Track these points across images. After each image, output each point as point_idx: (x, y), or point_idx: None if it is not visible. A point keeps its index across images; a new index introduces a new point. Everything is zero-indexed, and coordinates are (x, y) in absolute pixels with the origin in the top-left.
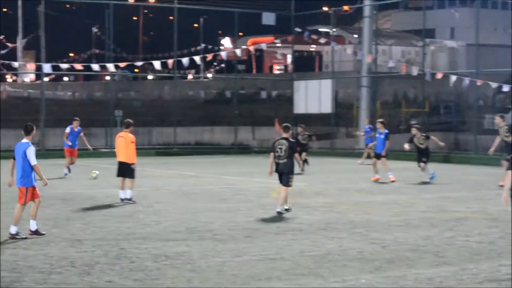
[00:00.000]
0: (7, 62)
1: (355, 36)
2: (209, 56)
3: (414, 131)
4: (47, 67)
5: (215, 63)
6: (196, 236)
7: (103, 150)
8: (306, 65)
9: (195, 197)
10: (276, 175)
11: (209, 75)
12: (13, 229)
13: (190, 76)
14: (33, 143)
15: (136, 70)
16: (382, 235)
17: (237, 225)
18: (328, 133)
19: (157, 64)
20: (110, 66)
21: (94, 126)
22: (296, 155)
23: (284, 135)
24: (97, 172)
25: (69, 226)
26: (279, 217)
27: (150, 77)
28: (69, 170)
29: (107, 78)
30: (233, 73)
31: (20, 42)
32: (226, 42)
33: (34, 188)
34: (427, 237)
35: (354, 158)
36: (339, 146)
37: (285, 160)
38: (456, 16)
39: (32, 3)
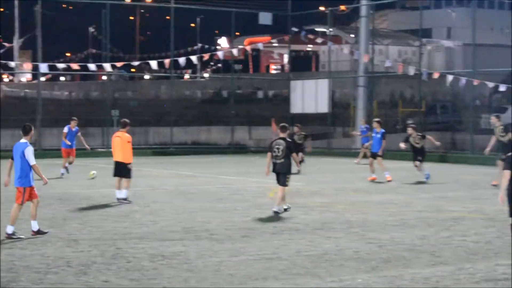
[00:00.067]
0: (4, 61)
1: (352, 35)
2: (206, 56)
3: (410, 130)
4: (43, 67)
5: (211, 63)
6: (193, 235)
7: (99, 149)
8: (303, 65)
9: (191, 197)
10: (272, 175)
11: (206, 75)
12: (9, 229)
13: (186, 76)
14: (30, 143)
15: (132, 70)
16: (379, 235)
17: (234, 225)
18: (324, 133)
19: (153, 64)
20: (107, 66)
21: (90, 126)
22: (294, 154)
23: (282, 135)
24: (95, 172)
25: (66, 226)
26: (275, 217)
27: (146, 76)
28: (67, 170)
29: (104, 78)
30: (230, 73)
31: (16, 42)
32: (223, 41)
33: (32, 188)
34: (423, 236)
35: (350, 158)
36: (336, 146)
37: (282, 160)
38: (453, 16)
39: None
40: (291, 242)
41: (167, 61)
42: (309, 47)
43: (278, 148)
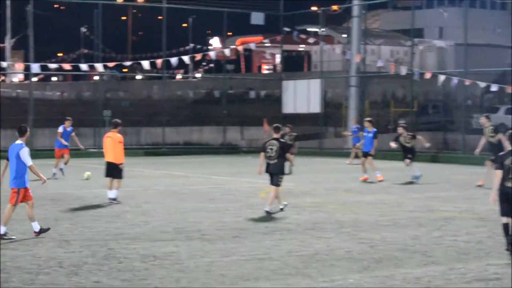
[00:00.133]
0: None
1: (344, 35)
2: (198, 56)
3: (400, 130)
4: (35, 67)
5: (204, 63)
6: (184, 236)
7: (91, 150)
8: (295, 65)
9: (183, 197)
10: (265, 175)
11: (198, 75)
12: (1, 229)
13: (178, 76)
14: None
15: (124, 70)
16: (370, 235)
17: (226, 225)
18: (316, 133)
19: (145, 64)
20: (99, 66)
21: (82, 126)
22: (288, 155)
23: (275, 135)
24: (89, 173)
25: (57, 227)
26: (267, 217)
27: (138, 77)
28: (62, 172)
29: (96, 78)
30: (222, 73)
31: (8, 42)
32: (215, 41)
33: (26, 189)
34: (415, 236)
35: (342, 158)
36: (328, 146)
37: (275, 161)
38: (445, 15)
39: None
40: (282, 242)
41: (159, 61)
42: (301, 47)
43: (271, 149)
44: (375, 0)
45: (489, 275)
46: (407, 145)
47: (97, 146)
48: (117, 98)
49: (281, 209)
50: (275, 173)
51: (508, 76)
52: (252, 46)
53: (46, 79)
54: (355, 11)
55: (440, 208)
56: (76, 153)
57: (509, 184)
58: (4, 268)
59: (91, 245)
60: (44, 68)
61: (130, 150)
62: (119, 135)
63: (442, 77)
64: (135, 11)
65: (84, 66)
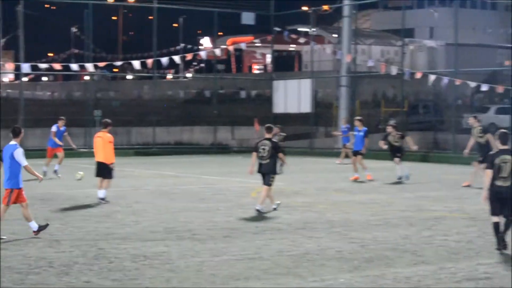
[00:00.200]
0: None
1: (335, 35)
2: (189, 56)
3: (389, 129)
4: (26, 67)
5: (194, 63)
6: (175, 236)
7: (82, 150)
8: (286, 65)
9: (174, 197)
10: (256, 175)
11: (189, 75)
12: None
13: (169, 76)
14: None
15: (115, 70)
16: (361, 234)
17: (216, 225)
18: (307, 133)
19: (136, 64)
20: (89, 66)
21: (73, 126)
22: (280, 154)
23: (267, 135)
24: (81, 173)
25: (48, 227)
26: (258, 217)
27: (129, 77)
28: (57, 173)
29: (86, 78)
30: (213, 73)
31: None
32: (206, 41)
33: (20, 190)
34: (405, 236)
35: (333, 157)
36: (318, 146)
37: (268, 161)
38: (435, 15)
39: (11, 3)
40: (273, 242)
41: (149, 61)
42: (292, 47)
43: (263, 149)
44: (365, 0)
45: (479, 275)
46: (396, 144)
47: (88, 146)
48: (107, 98)
49: (274, 209)
50: (267, 173)
51: (498, 76)
52: (243, 46)
53: (36, 79)
54: (346, 11)
55: (430, 207)
56: (67, 153)
57: (499, 183)
58: None
59: (81, 245)
60: (34, 68)
61: (121, 150)
62: (109, 135)
63: (432, 77)
64: (125, 11)
65: (74, 66)
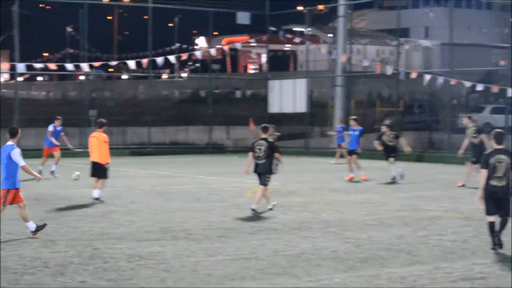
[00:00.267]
0: None
1: (330, 35)
2: (184, 56)
3: (384, 128)
4: (21, 67)
5: (189, 63)
6: (170, 236)
7: (77, 150)
8: (281, 65)
9: (169, 197)
10: (251, 175)
11: (184, 75)
12: None
13: (164, 76)
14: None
15: (110, 69)
16: (356, 234)
17: (212, 225)
18: (302, 133)
19: (131, 64)
20: (85, 66)
21: (68, 125)
22: (277, 154)
23: (263, 135)
24: (78, 173)
25: (46, 226)
26: (253, 217)
27: (124, 76)
28: (53, 174)
29: (82, 77)
30: (208, 73)
31: None
32: (201, 41)
33: (17, 190)
34: (400, 236)
35: (328, 157)
36: (314, 146)
37: (264, 161)
38: (430, 15)
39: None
40: (268, 242)
41: (145, 61)
42: (287, 47)
43: (260, 149)
44: (360, 0)
45: (475, 274)
46: (390, 144)
47: (83, 146)
48: (102, 98)
49: (270, 209)
50: (263, 173)
51: (494, 76)
52: (238, 45)
53: (31, 79)
54: (341, 10)
55: (425, 207)
56: (63, 153)
57: (494, 183)
58: None
59: (76, 245)
60: (29, 68)
61: (116, 150)
62: (104, 135)
63: (427, 77)
64: (121, 11)
65: (69, 66)
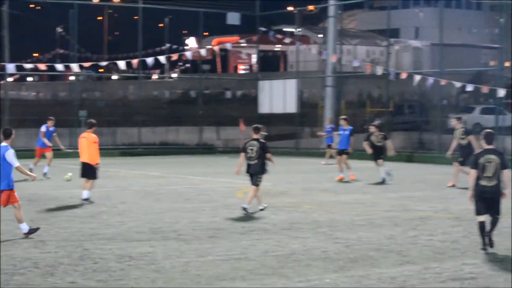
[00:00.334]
0: None
1: (320, 36)
2: (174, 56)
3: (372, 128)
4: (11, 67)
5: (180, 63)
6: (160, 236)
7: (67, 150)
8: (271, 65)
9: (159, 198)
10: (242, 175)
11: (174, 75)
12: None
13: (155, 76)
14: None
15: (100, 70)
16: (346, 235)
17: (202, 225)
18: (292, 133)
19: (121, 64)
20: (75, 66)
21: (58, 126)
22: (268, 154)
23: (255, 136)
24: (70, 174)
25: (33, 227)
26: (243, 217)
27: (114, 77)
28: (45, 175)
29: (72, 78)
30: (198, 73)
31: None
32: (191, 42)
33: (12, 191)
34: (390, 236)
35: (318, 158)
36: (304, 146)
37: (256, 161)
38: (421, 16)
39: None
40: (259, 242)
41: (135, 61)
42: (277, 47)
43: (252, 149)
44: (351, 0)
45: (464, 275)
46: (379, 144)
47: (73, 147)
48: (93, 98)
49: (261, 210)
50: (255, 174)
51: (484, 76)
52: (228, 46)
53: (21, 79)
54: (331, 11)
55: (415, 207)
56: (54, 153)
57: (484, 183)
58: None
59: (66, 245)
60: (19, 68)
61: (106, 151)
62: (93, 136)
63: (417, 77)
64: (111, 11)
65: (59, 66)
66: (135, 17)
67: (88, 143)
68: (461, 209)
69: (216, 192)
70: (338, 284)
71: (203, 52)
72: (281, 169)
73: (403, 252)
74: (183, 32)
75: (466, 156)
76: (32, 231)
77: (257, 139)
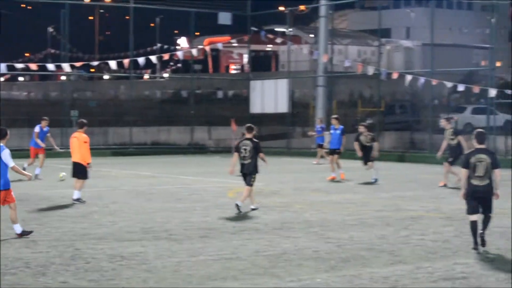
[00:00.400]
0: None
1: (311, 35)
2: (166, 56)
3: (361, 128)
4: (2, 67)
5: (171, 63)
6: (152, 236)
7: (58, 150)
8: (263, 65)
9: (151, 197)
10: (234, 175)
11: (165, 75)
12: None
13: (146, 76)
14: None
15: (92, 70)
16: (338, 234)
17: (193, 225)
18: (284, 133)
19: (113, 64)
20: (66, 66)
21: (50, 126)
22: (261, 154)
23: (248, 135)
24: (64, 174)
25: (24, 227)
26: (235, 217)
27: (106, 77)
28: (37, 176)
29: (63, 78)
30: (190, 73)
31: None
32: (183, 41)
33: (8, 191)
34: (382, 236)
35: (310, 157)
36: (295, 146)
37: (249, 161)
38: (412, 16)
39: None
40: (250, 242)
41: (126, 61)
42: (269, 47)
43: (245, 149)
44: (342, 0)
45: (456, 274)
46: (368, 144)
47: (65, 146)
48: (84, 98)
49: (253, 209)
50: (249, 173)
51: (475, 76)
52: (220, 46)
53: (12, 79)
54: (322, 11)
55: (407, 207)
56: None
57: (475, 182)
58: None
59: (58, 245)
60: (10, 68)
61: (98, 150)
62: (84, 135)
63: (409, 77)
64: (102, 11)
65: (51, 66)
66: (127, 17)
67: (79, 143)
68: (452, 208)
69: (208, 192)
70: (330, 284)
71: (194, 52)
72: (272, 169)
73: (394, 251)
74: (175, 32)
75: (455, 156)
76: (25, 233)
77: (250, 139)
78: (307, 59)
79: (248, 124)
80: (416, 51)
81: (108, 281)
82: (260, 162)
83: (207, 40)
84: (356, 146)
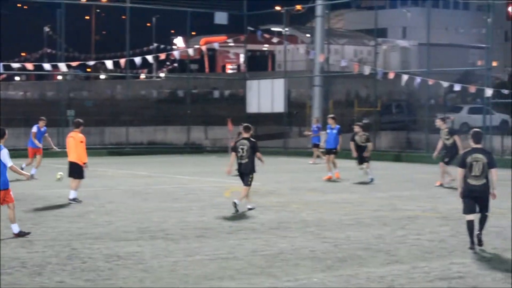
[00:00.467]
0: None
1: (308, 35)
2: (162, 56)
3: (356, 128)
4: None
5: (167, 63)
6: (148, 236)
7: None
8: (259, 65)
9: (147, 197)
10: (231, 174)
11: (162, 75)
12: None
13: (142, 76)
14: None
15: (88, 69)
16: (334, 234)
17: (189, 225)
18: (280, 133)
19: (109, 64)
20: (62, 66)
21: (46, 126)
22: (258, 154)
23: (245, 135)
24: (62, 173)
25: (20, 227)
26: (231, 217)
27: (102, 76)
28: (33, 176)
29: (59, 77)
30: (186, 73)
31: None
32: (179, 41)
33: (7, 191)
34: (378, 235)
35: (306, 157)
36: (292, 146)
37: (246, 160)
38: (408, 15)
39: None
40: (246, 242)
41: (122, 61)
42: (265, 47)
43: (242, 149)
44: (338, 0)
45: (452, 274)
46: (363, 144)
47: (61, 146)
48: (80, 98)
49: (249, 209)
50: (246, 173)
51: (471, 76)
52: (216, 45)
53: (9, 78)
54: (319, 11)
55: (403, 207)
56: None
57: (472, 182)
58: None
59: (54, 245)
60: (6, 67)
61: (94, 150)
62: (80, 135)
63: (405, 77)
64: (98, 10)
65: (47, 66)
66: (123, 17)
67: (75, 142)
68: (449, 208)
69: (204, 192)
70: (326, 284)
71: (190, 51)
72: (269, 169)
73: (391, 251)
74: (171, 31)
75: (451, 156)
76: (22, 233)
77: (247, 138)
78: (303, 58)
79: (246, 124)
80: (413, 50)
81: (105, 280)
82: (257, 162)
83: (203, 39)
84: (351, 146)
